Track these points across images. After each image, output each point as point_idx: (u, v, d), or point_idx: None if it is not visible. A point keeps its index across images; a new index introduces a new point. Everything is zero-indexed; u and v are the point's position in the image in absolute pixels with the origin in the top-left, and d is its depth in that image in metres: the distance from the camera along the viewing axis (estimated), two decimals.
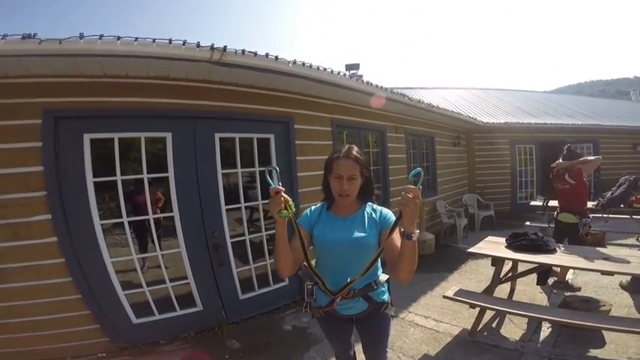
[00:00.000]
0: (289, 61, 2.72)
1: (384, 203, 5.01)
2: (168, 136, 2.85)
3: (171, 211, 2.92)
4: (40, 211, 2.43)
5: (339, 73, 3.27)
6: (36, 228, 2.43)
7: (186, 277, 2.97)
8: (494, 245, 3.27)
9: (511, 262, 3.36)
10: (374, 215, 1.45)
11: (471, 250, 3.17)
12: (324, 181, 1.50)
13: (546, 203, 4.39)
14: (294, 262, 1.37)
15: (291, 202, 1.22)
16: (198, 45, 2.28)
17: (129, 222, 2.77)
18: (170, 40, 2.21)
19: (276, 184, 1.21)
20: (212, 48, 2.32)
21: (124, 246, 2.94)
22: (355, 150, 1.42)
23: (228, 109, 3.07)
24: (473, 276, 4.27)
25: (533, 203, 5.82)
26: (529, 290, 3.69)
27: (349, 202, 1.43)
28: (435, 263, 4.87)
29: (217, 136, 3.07)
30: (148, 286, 2.84)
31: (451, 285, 3.99)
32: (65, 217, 2.50)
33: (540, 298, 3.54)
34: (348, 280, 1.33)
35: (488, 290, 3.14)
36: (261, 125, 3.35)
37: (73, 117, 2.51)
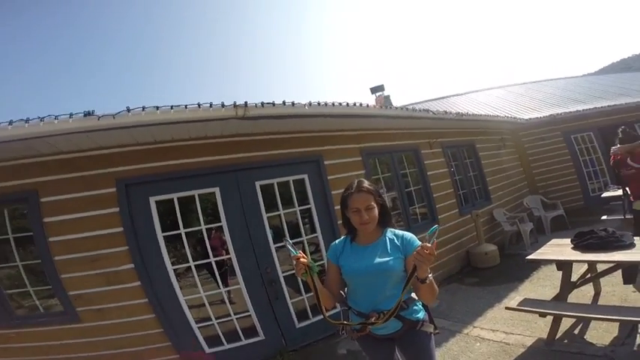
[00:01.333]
0: (304, 104, 3.06)
1: (433, 221, 4.89)
2: (217, 190, 3.27)
3: (229, 254, 3.29)
4: (125, 262, 2.91)
5: (354, 104, 3.52)
6: (123, 275, 2.90)
7: (247, 311, 3.25)
8: (558, 248, 3.01)
9: (586, 264, 3.05)
10: (396, 241, 1.54)
11: (531, 256, 2.97)
12: (343, 218, 1.65)
13: (628, 191, 3.80)
14: (331, 296, 1.58)
15: (311, 264, 1.39)
16: (222, 105, 2.69)
17: (204, 264, 3.21)
18: (199, 104, 2.61)
19: (295, 252, 1.41)
20: (235, 105, 2.72)
21: (203, 284, 3.25)
22: (365, 183, 1.55)
23: (262, 158, 3.45)
24: (548, 282, 3.87)
25: (605, 195, 5.20)
26: (619, 290, 3.25)
27: (371, 230, 1.54)
28: (501, 275, 4.52)
29: (257, 184, 3.44)
30: (216, 319, 3.16)
31: (522, 295, 3.68)
32: (145, 265, 2.96)
33: (634, 297, 3.09)
34: (373, 317, 1.47)
35: (560, 296, 2.86)
36: (294, 167, 3.67)
37: (139, 183, 3.01)
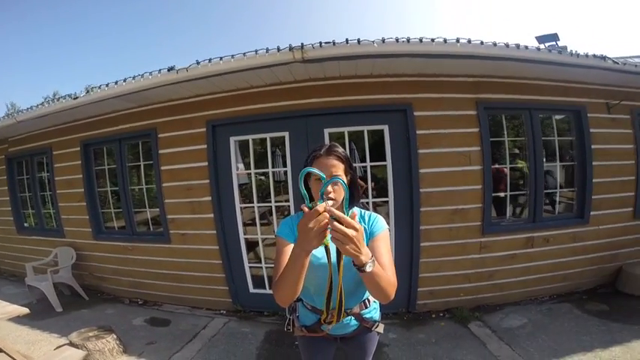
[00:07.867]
0: (373, 41, 2.41)
1: (579, 218, 3.47)
2: (286, 134, 3.24)
3: (288, 202, 3.31)
4: (206, 194, 3.37)
5: (457, 40, 2.52)
6: (204, 206, 3.39)
7: None
8: None
9: None
10: (363, 224, 1.22)
11: None
12: (302, 187, 1.25)
13: None
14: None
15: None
16: (278, 49, 2.49)
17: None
18: (256, 51, 2.53)
19: (318, 199, 0.90)
20: (291, 48, 2.46)
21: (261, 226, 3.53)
22: (339, 148, 1.24)
23: (333, 104, 3.09)
24: None
25: None
26: None
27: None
28: None
29: (326, 131, 3.17)
30: (265, 263, 3.37)
31: None
32: (219, 199, 3.35)
33: None
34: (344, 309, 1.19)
35: None
36: (372, 116, 3.14)
37: (223, 124, 3.32)
